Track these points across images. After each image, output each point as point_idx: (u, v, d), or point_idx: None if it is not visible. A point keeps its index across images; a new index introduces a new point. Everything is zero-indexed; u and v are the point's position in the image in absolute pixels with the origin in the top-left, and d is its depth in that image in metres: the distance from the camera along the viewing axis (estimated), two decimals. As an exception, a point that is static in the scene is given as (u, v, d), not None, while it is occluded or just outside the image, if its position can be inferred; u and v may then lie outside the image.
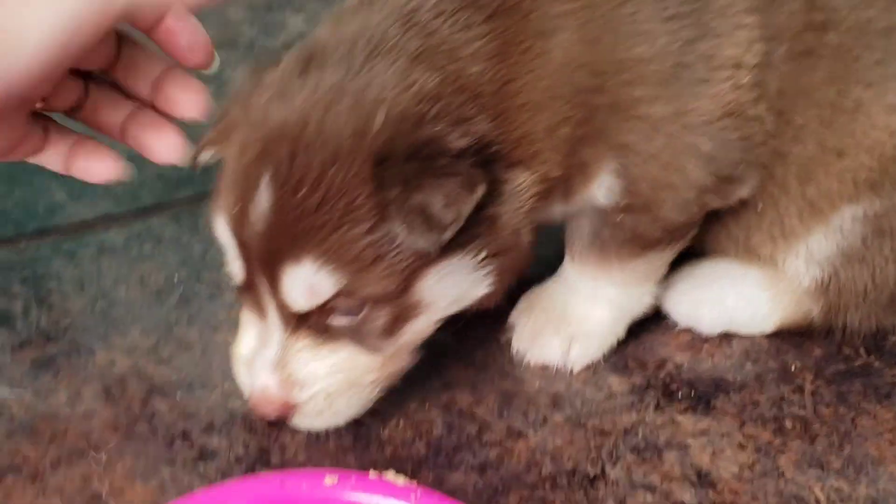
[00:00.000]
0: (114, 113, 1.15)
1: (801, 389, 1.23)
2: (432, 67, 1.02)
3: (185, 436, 1.14)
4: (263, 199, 1.01)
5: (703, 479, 1.13)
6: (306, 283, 1.02)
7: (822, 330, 1.26)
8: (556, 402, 1.18)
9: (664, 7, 1.07)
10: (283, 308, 1.04)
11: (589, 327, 1.23)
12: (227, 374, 1.13)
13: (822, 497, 1.12)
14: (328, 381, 1.06)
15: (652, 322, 1.26)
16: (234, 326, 1.10)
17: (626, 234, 1.16)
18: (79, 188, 1.18)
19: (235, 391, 1.12)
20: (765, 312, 1.26)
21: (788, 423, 1.19)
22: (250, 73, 1.09)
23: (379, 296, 1.03)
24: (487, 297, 1.09)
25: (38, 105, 1.12)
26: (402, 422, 1.16)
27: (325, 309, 1.03)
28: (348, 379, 1.07)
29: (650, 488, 1.12)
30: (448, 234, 1.00)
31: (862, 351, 1.27)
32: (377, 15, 1.04)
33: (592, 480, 1.13)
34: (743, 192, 1.17)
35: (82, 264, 1.27)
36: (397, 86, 1.01)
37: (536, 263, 1.25)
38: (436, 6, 1.04)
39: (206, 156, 1.10)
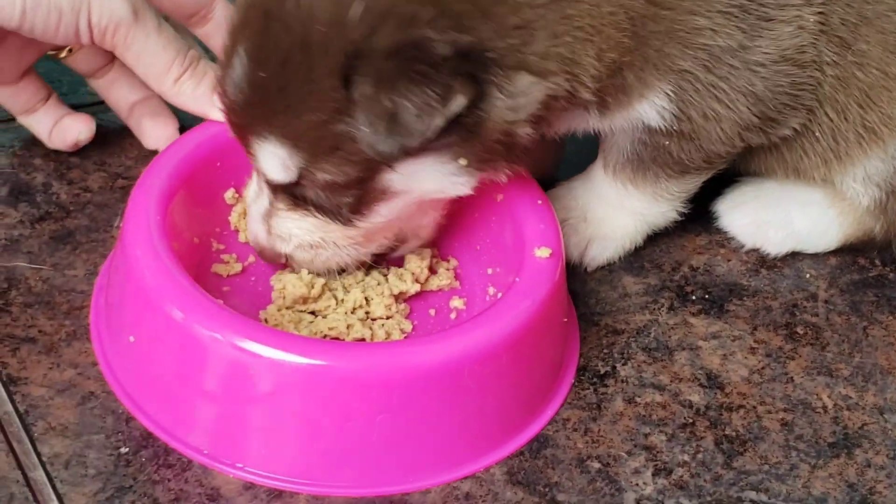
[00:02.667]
0: (128, 93, 1.23)
1: (814, 297, 1.23)
2: None
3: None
4: (238, 69, 1.01)
5: (712, 381, 1.14)
6: (273, 158, 1.02)
7: (884, 245, 1.26)
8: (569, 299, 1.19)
9: None
10: (261, 173, 1.06)
11: (608, 231, 1.23)
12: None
13: (829, 403, 1.13)
14: (305, 238, 1.08)
15: (669, 224, 1.26)
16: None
17: (666, 158, 1.15)
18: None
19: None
20: (831, 231, 1.26)
21: (800, 330, 1.20)
22: None
23: (338, 183, 1.02)
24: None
25: (62, 54, 1.16)
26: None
27: (296, 183, 1.04)
28: (325, 239, 1.08)
29: (659, 388, 1.13)
30: (414, 144, 0.97)
31: (877, 261, 1.28)
32: None
33: (603, 377, 1.13)
34: (783, 132, 1.16)
35: (105, 140, 1.27)
36: None
37: (566, 165, 1.26)
38: None
39: None
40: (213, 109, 1.12)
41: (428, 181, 1.05)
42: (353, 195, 1.04)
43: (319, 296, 1.10)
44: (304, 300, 1.10)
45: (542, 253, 1.08)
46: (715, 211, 1.28)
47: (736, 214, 1.27)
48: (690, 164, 1.16)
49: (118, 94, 1.24)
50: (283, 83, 0.98)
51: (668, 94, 1.09)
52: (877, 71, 1.15)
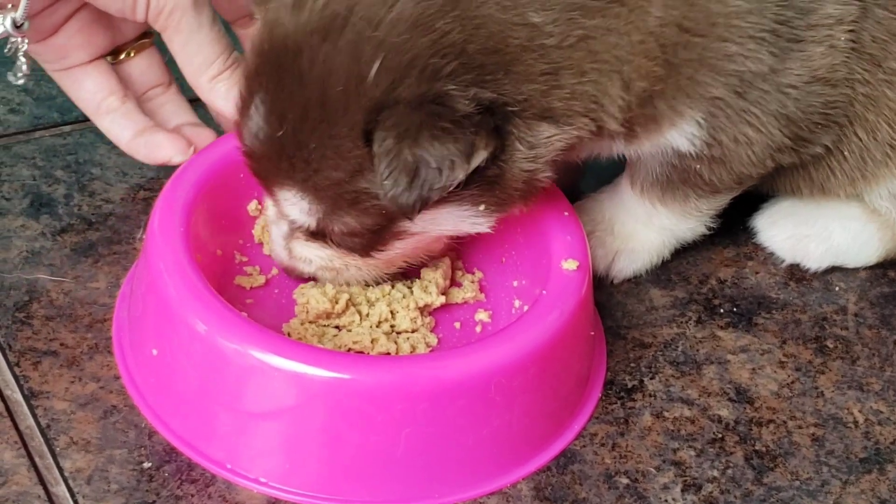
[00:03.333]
0: (153, 75, 1.22)
1: (844, 310, 1.22)
2: (468, 19, 0.95)
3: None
4: (256, 119, 0.99)
5: (741, 396, 1.12)
6: (292, 205, 1.02)
7: None
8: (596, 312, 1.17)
9: None
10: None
11: (635, 245, 1.21)
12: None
13: (860, 418, 1.12)
14: (326, 263, 1.07)
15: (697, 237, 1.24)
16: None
17: (696, 180, 1.14)
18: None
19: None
20: (871, 245, 1.25)
21: (830, 344, 1.18)
22: None
23: (357, 230, 1.02)
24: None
25: (120, 56, 1.19)
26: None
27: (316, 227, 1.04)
28: (346, 264, 1.07)
29: (688, 402, 1.11)
30: (434, 197, 0.96)
31: (907, 274, 1.26)
32: None
33: (630, 391, 1.12)
34: (815, 150, 1.15)
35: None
36: (414, 30, 0.94)
37: (589, 174, 1.25)
38: None
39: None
40: None
41: (446, 224, 1.04)
42: (371, 238, 1.04)
43: (344, 311, 1.09)
44: (328, 315, 1.09)
45: (570, 265, 1.07)
46: (753, 227, 1.27)
47: (775, 230, 1.26)
48: (721, 185, 1.15)
49: (145, 71, 1.22)
50: (301, 139, 0.97)
51: (698, 122, 1.08)
52: None
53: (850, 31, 1.09)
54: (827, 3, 1.07)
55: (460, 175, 0.95)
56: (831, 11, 1.07)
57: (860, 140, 1.16)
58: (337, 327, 1.10)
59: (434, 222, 1.03)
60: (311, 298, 1.10)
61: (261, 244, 1.16)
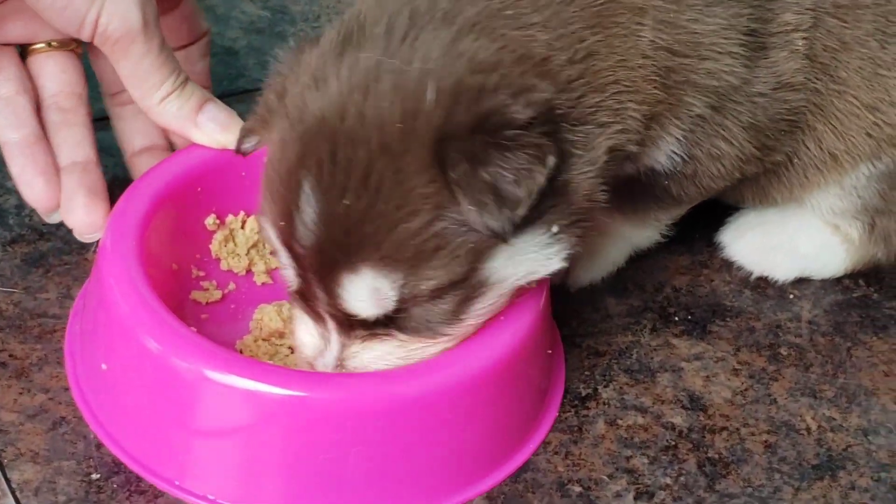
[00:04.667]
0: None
1: (798, 318, 1.22)
2: (488, 35, 0.95)
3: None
4: (308, 209, 0.93)
5: (694, 403, 1.12)
6: (367, 291, 0.95)
7: (893, 266, 1.26)
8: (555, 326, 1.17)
9: None
10: (341, 314, 0.98)
11: (592, 254, 1.21)
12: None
13: (812, 425, 1.12)
14: (384, 365, 1.01)
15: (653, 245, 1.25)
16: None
17: (661, 195, 1.14)
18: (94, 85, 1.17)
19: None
20: (838, 257, 1.25)
21: (783, 351, 1.18)
22: (289, 54, 1.02)
23: (444, 285, 0.96)
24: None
25: None
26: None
27: (391, 312, 0.97)
28: (411, 352, 1.01)
29: (641, 409, 1.11)
30: (522, 212, 0.92)
31: (861, 282, 1.26)
32: None
33: (584, 400, 1.12)
34: (777, 158, 1.15)
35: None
36: (445, 56, 0.93)
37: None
38: None
39: (249, 144, 1.05)
40: (193, 129, 1.10)
41: (525, 262, 0.99)
42: (452, 299, 0.98)
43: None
44: (281, 335, 1.09)
45: (526, 279, 1.06)
46: (718, 242, 1.27)
47: (741, 243, 1.26)
48: (686, 198, 1.15)
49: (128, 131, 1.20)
50: (369, 201, 0.92)
51: (679, 140, 1.08)
52: (853, 99, 1.14)
53: (805, 38, 1.10)
54: (786, 11, 1.08)
55: (540, 180, 0.92)
56: (789, 19, 1.08)
57: (808, 149, 1.16)
58: (290, 348, 1.09)
59: (514, 260, 0.98)
60: (265, 315, 1.09)
61: (218, 259, 1.15)
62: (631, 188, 1.14)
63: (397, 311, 0.97)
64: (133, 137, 1.18)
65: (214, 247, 1.15)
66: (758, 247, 1.25)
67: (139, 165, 1.16)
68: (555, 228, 0.98)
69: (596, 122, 1.00)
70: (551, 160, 0.93)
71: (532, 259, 0.99)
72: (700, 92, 1.06)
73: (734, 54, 1.06)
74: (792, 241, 1.25)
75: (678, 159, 1.10)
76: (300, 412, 0.97)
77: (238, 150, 1.06)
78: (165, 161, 1.14)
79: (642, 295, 1.23)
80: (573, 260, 1.17)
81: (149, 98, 1.11)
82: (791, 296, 1.24)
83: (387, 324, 0.98)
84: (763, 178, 1.19)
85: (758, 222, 1.26)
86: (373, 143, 0.91)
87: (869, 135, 1.15)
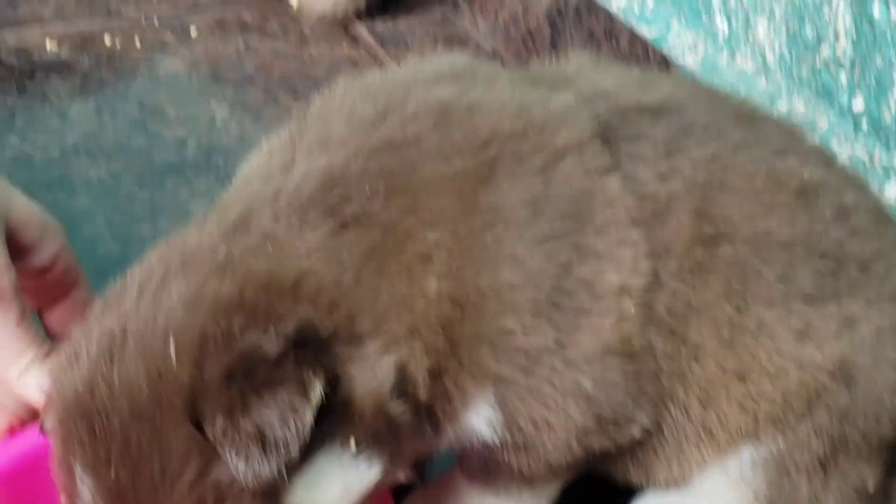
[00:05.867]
0: None
1: None
2: (231, 272, 0.93)
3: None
4: (85, 491, 0.91)
5: None
6: None
7: None
8: None
9: (535, 227, 0.99)
10: None
11: None
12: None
13: None
14: None
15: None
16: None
17: (507, 471, 1.07)
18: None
19: None
20: None
21: None
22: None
23: None
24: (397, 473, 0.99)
25: None
26: None
27: None
28: None
29: None
30: (295, 451, 0.88)
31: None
32: (195, 235, 0.96)
33: None
34: (633, 432, 1.06)
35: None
36: (188, 305, 0.91)
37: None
38: (274, 211, 0.97)
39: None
40: None
41: (334, 483, 0.94)
42: None
43: None
44: None
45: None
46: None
47: None
48: (531, 474, 1.07)
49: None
50: (135, 469, 0.89)
51: (489, 404, 1.01)
52: (714, 367, 1.06)
53: (639, 304, 1.02)
54: (607, 271, 1.01)
55: (308, 415, 0.88)
56: (612, 279, 1.01)
57: (674, 420, 1.08)
58: None
59: (316, 486, 0.93)
60: None
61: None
62: (486, 465, 1.09)
63: None
64: None
65: None
66: None
67: None
68: (352, 445, 0.94)
69: (368, 334, 0.95)
70: (317, 388, 0.89)
71: (340, 478, 0.94)
72: (497, 350, 0.99)
73: (538, 314, 0.99)
74: None
75: (500, 428, 1.02)
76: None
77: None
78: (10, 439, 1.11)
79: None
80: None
81: (10, 369, 1.08)
82: None
83: None
84: (639, 450, 1.10)
85: None
86: (124, 413, 0.89)
87: (743, 408, 1.07)
